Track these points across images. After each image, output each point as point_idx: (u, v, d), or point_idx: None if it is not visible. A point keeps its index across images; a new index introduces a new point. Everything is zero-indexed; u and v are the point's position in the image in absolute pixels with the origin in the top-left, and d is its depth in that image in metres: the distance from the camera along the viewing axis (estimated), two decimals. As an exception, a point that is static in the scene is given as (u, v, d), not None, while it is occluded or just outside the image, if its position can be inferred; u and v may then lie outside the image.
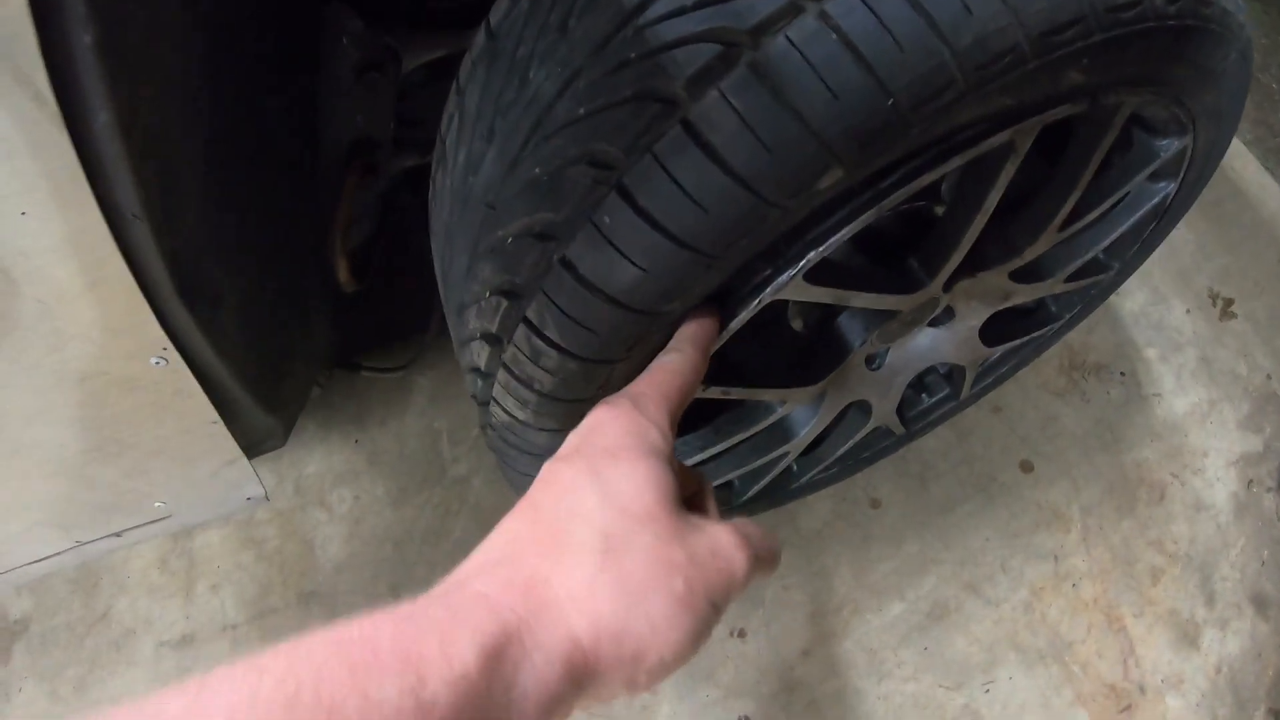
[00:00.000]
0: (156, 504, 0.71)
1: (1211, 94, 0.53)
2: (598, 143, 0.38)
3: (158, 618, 1.08)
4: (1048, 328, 0.84)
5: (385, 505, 1.10)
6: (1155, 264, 1.32)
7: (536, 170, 0.41)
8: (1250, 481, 1.16)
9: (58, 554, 0.78)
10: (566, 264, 0.41)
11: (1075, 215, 0.58)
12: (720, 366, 0.51)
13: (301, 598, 1.06)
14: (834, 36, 0.34)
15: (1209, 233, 1.42)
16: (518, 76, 0.44)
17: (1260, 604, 1.08)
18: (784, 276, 0.43)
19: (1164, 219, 0.75)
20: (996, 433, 1.11)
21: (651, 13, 0.37)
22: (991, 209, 0.49)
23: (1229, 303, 1.32)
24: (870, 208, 0.41)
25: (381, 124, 0.70)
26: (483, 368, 0.49)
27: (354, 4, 0.62)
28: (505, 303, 0.44)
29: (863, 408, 0.77)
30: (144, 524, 0.74)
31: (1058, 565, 1.04)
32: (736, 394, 0.56)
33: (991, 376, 0.92)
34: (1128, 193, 0.65)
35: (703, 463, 0.69)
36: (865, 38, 0.35)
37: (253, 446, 0.64)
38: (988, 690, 0.97)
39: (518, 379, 0.47)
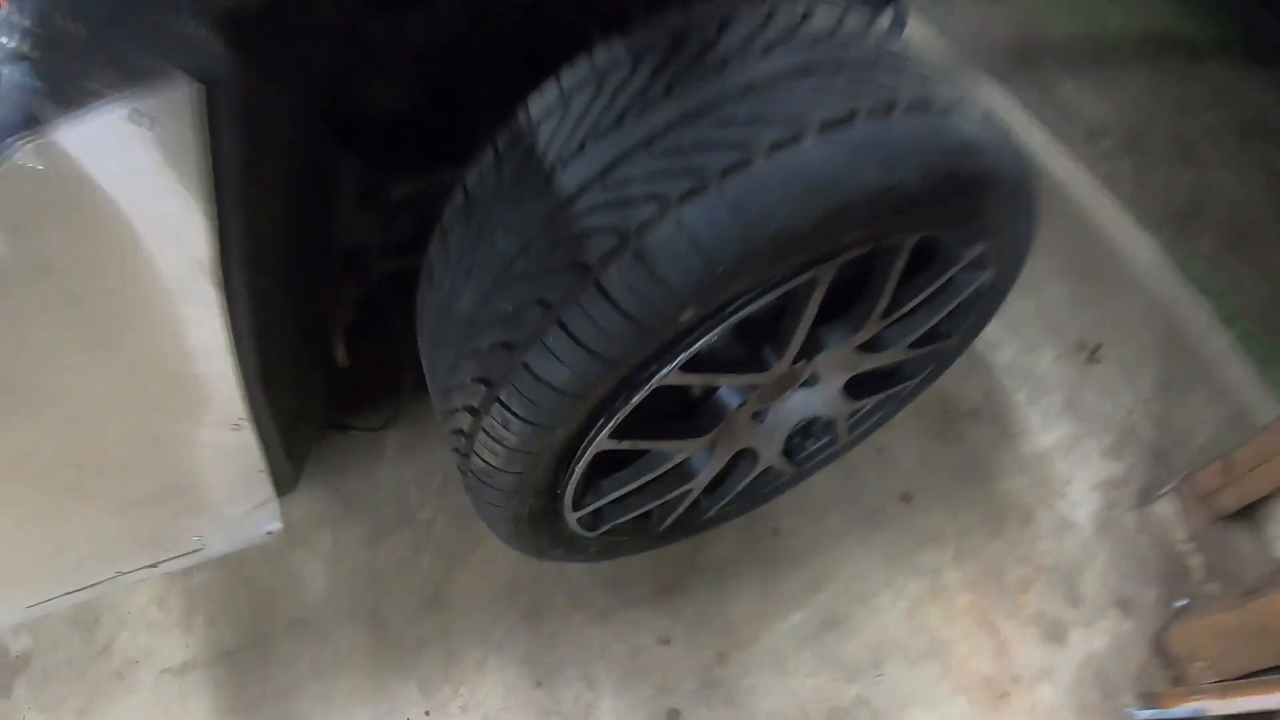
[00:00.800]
0: (194, 538, 0.95)
1: (989, 217, 0.83)
2: (545, 291, 0.67)
3: (159, 648, 1.29)
4: (906, 384, 1.15)
5: (362, 544, 1.34)
6: (1025, 319, 1.66)
7: (504, 304, 0.69)
8: (1112, 503, 1.48)
9: (96, 584, 1.01)
10: (526, 366, 0.68)
11: (895, 307, 0.88)
12: (633, 424, 0.79)
13: (291, 624, 1.29)
14: (684, 233, 0.63)
15: (1082, 287, 1.77)
16: (488, 235, 0.72)
17: (1124, 606, 1.38)
18: (665, 369, 0.71)
19: (990, 296, 1.05)
20: (880, 470, 1.41)
21: (577, 207, 0.66)
22: (811, 317, 0.79)
23: (1096, 349, 1.66)
24: (717, 327, 0.70)
25: (372, 237, 0.98)
26: (465, 430, 0.76)
27: (357, 150, 0.90)
28: (483, 388, 0.71)
29: (752, 454, 1.06)
30: (180, 555, 0.98)
31: (935, 580, 1.33)
32: (644, 445, 0.84)
33: (867, 424, 1.22)
34: (950, 279, 0.95)
35: (624, 497, 0.97)
36: (703, 232, 0.64)
37: (278, 489, 0.89)
38: (877, 682, 1.25)
39: (492, 438, 0.74)
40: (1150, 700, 1.28)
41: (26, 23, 0.41)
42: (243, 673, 1.26)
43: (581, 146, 0.67)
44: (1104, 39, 2.85)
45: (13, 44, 0.42)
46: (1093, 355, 1.65)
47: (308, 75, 0.65)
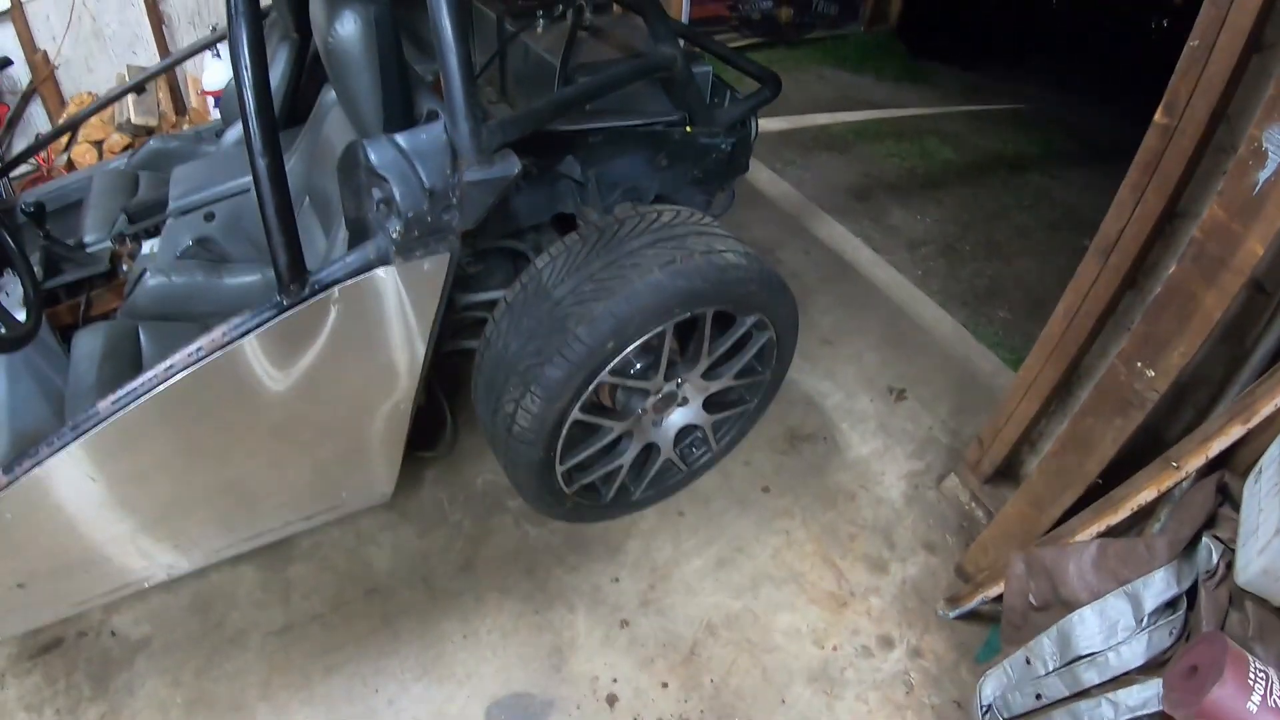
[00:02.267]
0: (342, 494, 2.01)
1: (753, 301, 2.01)
2: (550, 341, 1.81)
3: (263, 619, 2.24)
4: (745, 405, 2.31)
5: (413, 538, 2.39)
6: (849, 376, 2.87)
7: (533, 346, 1.84)
8: (916, 485, 2.62)
9: (264, 534, 2.04)
10: (544, 372, 1.82)
11: (713, 350, 2.05)
12: (589, 407, 1.91)
13: (366, 591, 2.29)
14: (609, 311, 1.79)
15: (893, 352, 3.01)
16: (521, 319, 1.89)
17: (930, 548, 2.47)
18: (603, 373, 1.86)
19: (780, 348, 2.24)
20: (747, 473, 2.56)
21: (562, 306, 1.82)
22: (667, 351, 1.95)
23: (902, 391, 2.86)
24: (623, 352, 1.85)
25: (448, 333, 2.11)
26: (510, 413, 1.88)
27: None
28: (522, 387, 1.84)
29: (655, 449, 2.19)
30: (328, 510, 2.03)
31: (789, 536, 2.44)
32: (595, 420, 1.97)
33: (729, 435, 2.37)
34: (748, 335, 2.12)
35: (584, 462, 2.08)
36: (617, 310, 1.80)
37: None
38: (756, 598, 2.31)
39: (525, 411, 1.85)
40: (954, 602, 2.31)
41: (398, 224, 1.55)
42: (330, 627, 2.22)
43: (563, 279, 1.84)
44: (933, 170, 4.31)
45: (396, 231, 1.55)
46: (899, 396, 2.86)
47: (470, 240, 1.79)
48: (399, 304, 1.66)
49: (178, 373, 1.52)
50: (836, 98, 5.21)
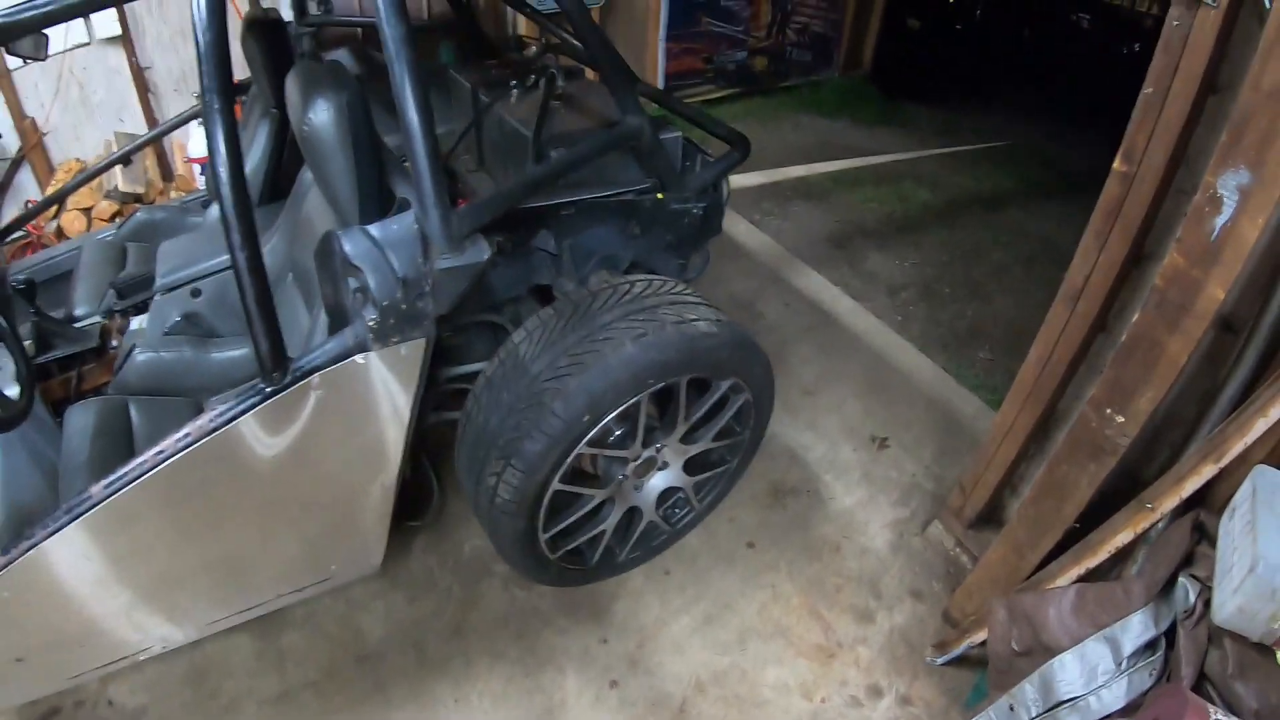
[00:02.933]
0: (332, 567, 2.04)
1: (728, 366, 2.06)
2: (528, 416, 1.86)
3: (258, 687, 2.27)
4: (726, 465, 2.35)
5: (404, 604, 2.41)
6: (831, 427, 2.91)
7: (512, 421, 1.88)
8: (901, 533, 2.65)
9: (258, 605, 2.07)
10: (523, 446, 1.87)
11: (689, 415, 2.10)
12: (570, 477, 1.95)
13: (358, 658, 2.32)
14: (583, 386, 1.84)
15: (875, 399, 3.05)
16: (499, 393, 1.93)
17: (916, 595, 2.51)
18: (580, 444, 1.90)
19: (757, 410, 2.28)
20: (731, 530, 2.60)
21: (539, 381, 1.87)
22: (643, 420, 2.00)
23: (884, 440, 2.91)
24: (600, 424, 1.90)
25: (427, 406, 2.16)
26: (492, 485, 1.92)
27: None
28: (503, 461, 1.89)
29: (638, 512, 2.23)
30: (318, 583, 2.07)
31: (775, 590, 2.47)
32: (576, 489, 2.02)
33: (711, 495, 2.41)
34: (724, 398, 2.17)
35: (566, 530, 2.12)
36: (591, 384, 1.84)
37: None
38: (743, 653, 2.33)
39: (506, 484, 1.90)
40: (941, 648, 2.33)
41: (374, 312, 1.60)
42: (325, 694, 2.25)
43: (539, 354, 1.89)
44: (910, 213, 4.39)
45: (372, 319, 1.61)
46: (882, 444, 2.90)
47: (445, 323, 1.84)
48: (379, 387, 1.71)
49: (168, 458, 1.58)
50: (813, 145, 5.31)
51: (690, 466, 2.30)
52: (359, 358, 1.64)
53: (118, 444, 2.04)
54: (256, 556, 1.95)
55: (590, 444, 1.93)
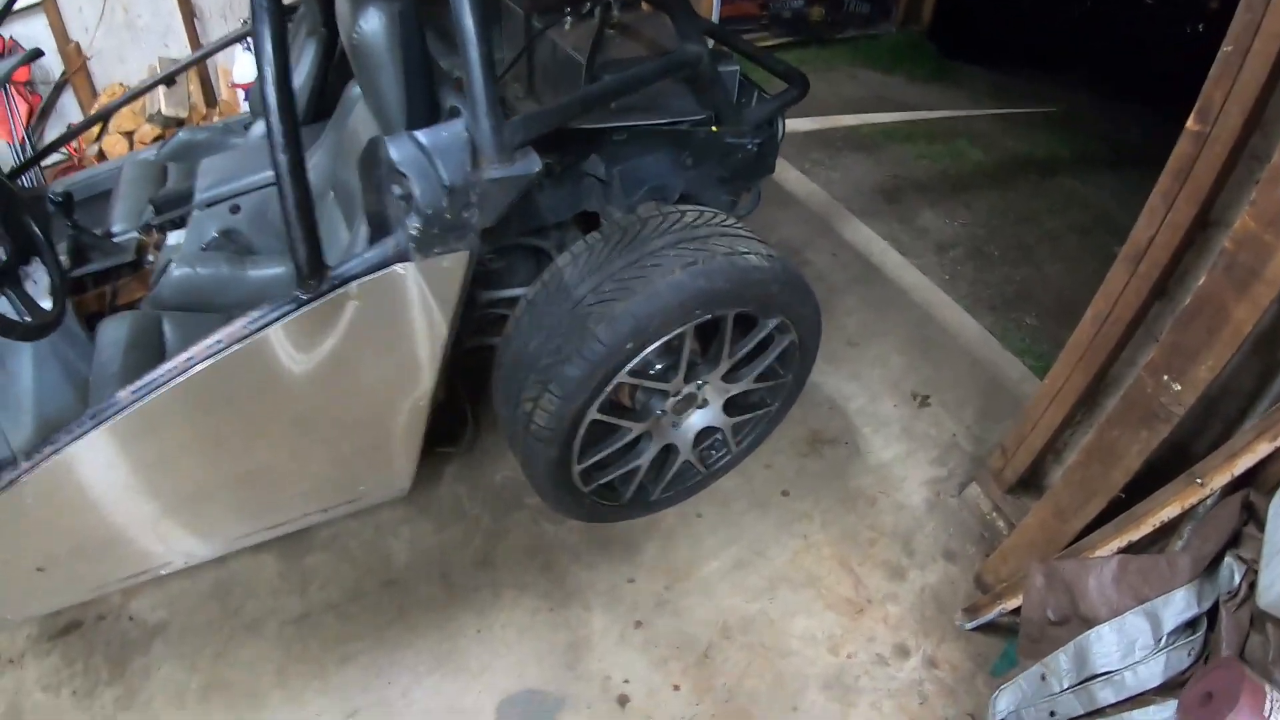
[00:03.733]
0: (360, 488, 2.01)
1: (776, 302, 1.99)
2: (570, 340, 1.81)
3: (280, 607, 2.26)
4: (766, 408, 2.29)
5: (431, 532, 2.39)
6: (873, 380, 2.84)
7: (553, 344, 1.83)
8: (938, 491, 2.59)
9: (285, 524, 2.05)
10: (563, 371, 1.81)
11: (734, 352, 2.04)
12: (608, 407, 1.90)
13: (384, 583, 2.30)
14: (628, 312, 1.77)
15: (918, 356, 2.97)
16: (542, 317, 1.88)
17: (949, 556, 2.44)
18: (622, 372, 1.84)
19: (802, 352, 2.21)
20: (767, 476, 2.54)
21: (583, 305, 1.81)
22: (686, 352, 1.93)
23: (926, 397, 2.83)
24: (641, 353, 1.83)
25: (468, 327, 2.11)
26: (529, 410, 1.87)
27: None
28: (540, 385, 1.84)
29: (673, 449, 2.18)
30: (347, 503, 2.04)
31: (807, 540, 2.41)
32: (613, 420, 1.96)
33: (749, 438, 2.35)
34: (770, 337, 2.10)
35: (600, 463, 2.07)
36: (636, 310, 1.78)
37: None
38: (772, 601, 2.29)
39: (543, 410, 1.85)
40: (971, 612, 2.27)
41: (418, 220, 1.55)
42: (347, 617, 2.23)
43: (584, 278, 1.83)
44: (963, 172, 4.25)
45: (415, 228, 1.55)
46: (923, 401, 2.82)
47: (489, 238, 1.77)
48: (418, 300, 1.65)
49: (197, 364, 1.54)
50: (867, 98, 5.15)
51: (730, 407, 2.23)
52: (399, 267, 1.59)
53: (150, 358, 2.01)
54: (285, 472, 1.92)
55: (631, 374, 1.87)
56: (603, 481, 2.15)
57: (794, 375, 2.28)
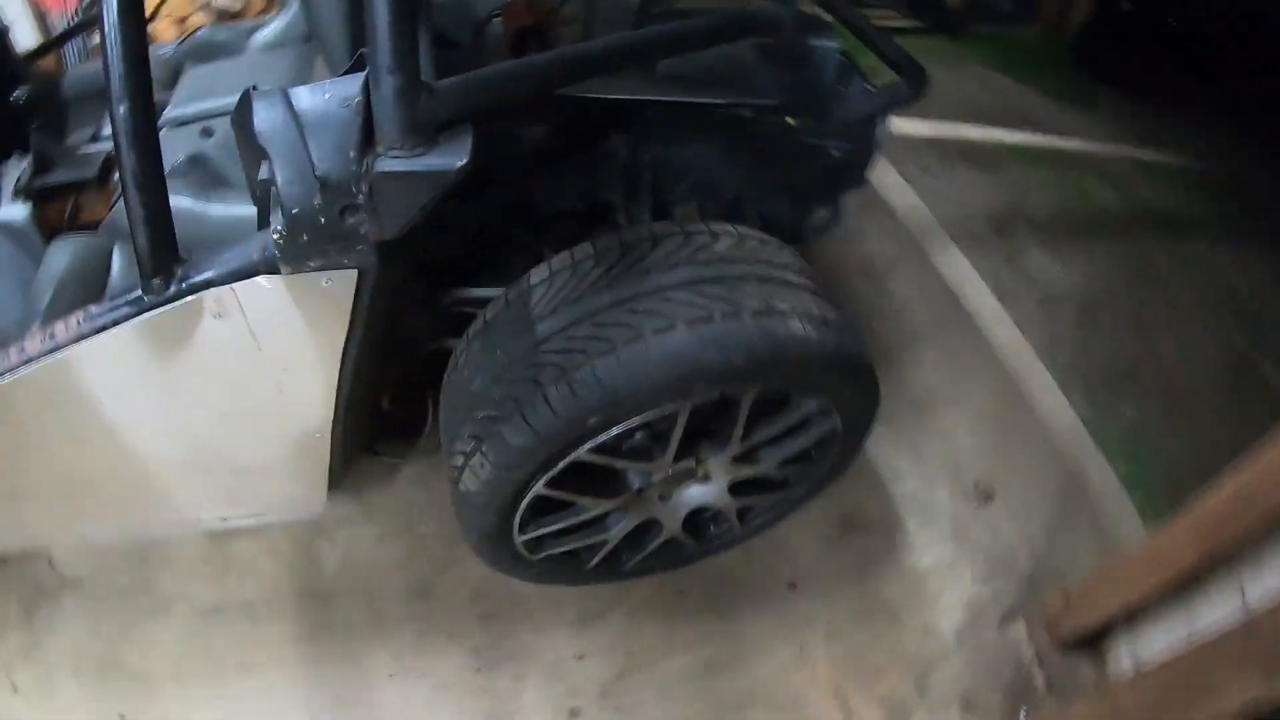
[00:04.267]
0: (258, 507, 1.46)
1: (817, 387, 1.32)
2: (518, 393, 1.18)
3: (194, 593, 1.78)
4: (787, 493, 1.62)
5: (371, 542, 1.84)
6: (932, 457, 2.12)
7: (495, 394, 1.20)
8: (974, 619, 1.89)
9: (183, 526, 1.52)
10: (500, 433, 1.19)
11: (749, 436, 1.37)
12: (564, 480, 1.28)
13: (304, 593, 1.78)
14: (594, 377, 1.13)
15: (992, 436, 2.22)
16: (493, 350, 1.24)
17: (967, 704, 1.77)
18: (580, 450, 1.21)
19: (847, 441, 1.53)
20: (776, 558, 1.88)
21: (544, 349, 1.17)
22: (679, 433, 1.28)
23: (989, 493, 2.10)
24: (613, 430, 1.19)
25: (424, 328, 1.51)
26: (459, 465, 1.27)
27: (425, 276, 1.44)
28: (474, 441, 1.22)
29: (657, 525, 1.54)
30: (247, 516, 1.49)
31: (802, 653, 1.77)
32: (569, 498, 1.34)
33: (760, 519, 1.69)
34: (803, 422, 1.43)
35: (556, 533, 1.45)
36: (604, 377, 1.13)
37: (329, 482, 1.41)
38: (741, 726, 1.68)
39: (474, 473, 1.24)
40: None
41: (281, 221, 0.94)
42: (257, 621, 1.74)
43: (555, 310, 1.19)
44: (1085, 214, 3.35)
45: (277, 231, 0.95)
46: (986, 497, 2.10)
47: (408, 252, 1.16)
48: (293, 325, 1.06)
49: (29, 361, 1.09)
50: (994, 106, 4.20)
51: (739, 488, 1.58)
52: (264, 280, 1.00)
53: (86, 294, 1.51)
54: (162, 478, 1.38)
55: (596, 450, 1.24)
56: (557, 552, 1.54)
57: (831, 465, 1.60)
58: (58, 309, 1.37)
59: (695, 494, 1.54)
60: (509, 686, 1.68)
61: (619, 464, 1.32)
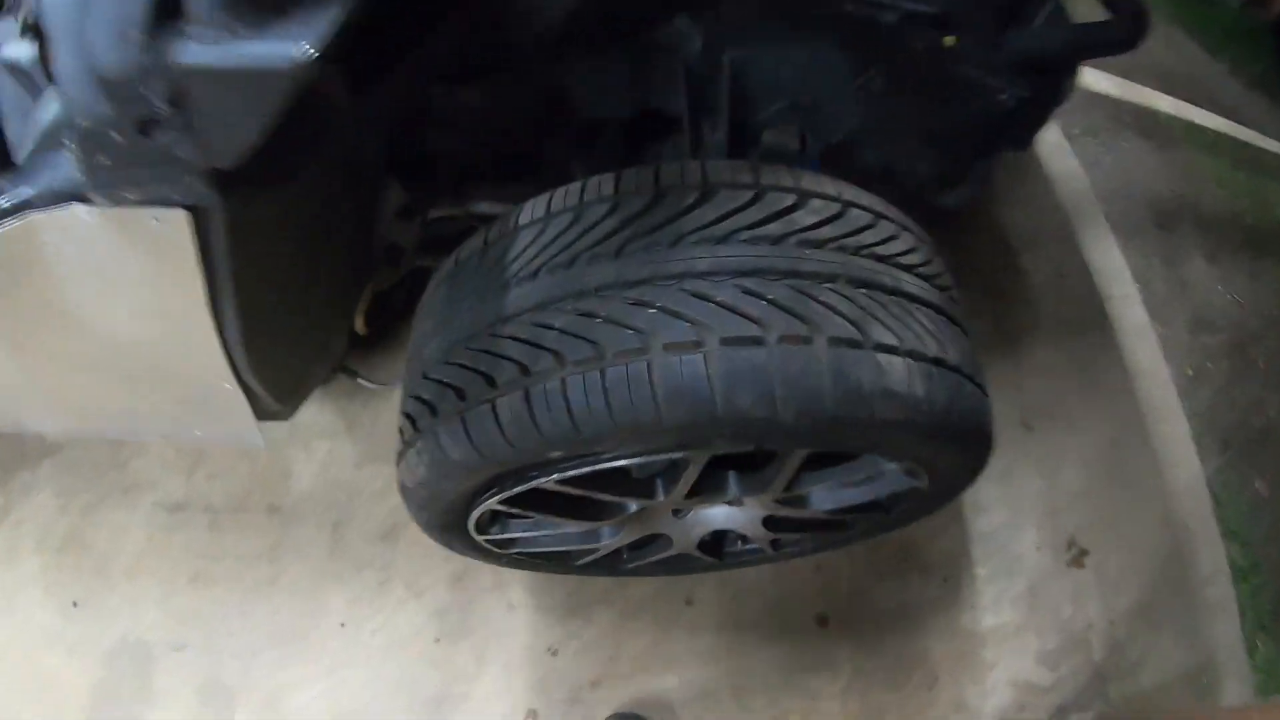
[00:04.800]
0: (197, 433, 1.09)
1: (904, 451, 0.82)
2: (465, 385, 0.73)
3: (162, 482, 1.50)
4: (835, 535, 1.15)
5: (349, 465, 1.49)
6: (1027, 496, 1.58)
7: (442, 375, 0.76)
8: (1023, 706, 1.42)
9: (149, 433, 1.17)
10: (436, 433, 0.76)
11: (799, 485, 0.90)
12: (527, 498, 0.85)
13: (269, 509, 1.46)
14: (560, 397, 0.67)
15: (1103, 480, 1.66)
16: (455, 309, 0.79)
17: None
18: (544, 479, 0.77)
19: (929, 501, 1.04)
20: (810, 585, 1.42)
21: (509, 328, 0.71)
22: (692, 479, 0.81)
23: (1083, 553, 1.57)
24: (588, 466, 0.74)
25: (410, 241, 1.07)
26: (398, 446, 0.85)
27: (398, 178, 0.98)
28: (411, 428, 0.80)
29: (665, 539, 1.10)
30: (187, 438, 1.13)
31: (813, 703, 1.35)
32: (536, 516, 0.91)
33: (796, 549, 1.23)
34: (878, 475, 0.94)
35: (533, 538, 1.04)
36: (575, 403, 0.67)
37: (267, 418, 1.02)
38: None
39: (410, 466, 0.83)
40: None
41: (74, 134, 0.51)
42: (219, 530, 1.45)
43: (536, 273, 0.72)
44: (1263, 226, 2.55)
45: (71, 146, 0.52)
46: (1078, 557, 1.57)
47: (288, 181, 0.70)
48: (129, 267, 0.65)
49: None
50: (1179, 75, 3.23)
51: (776, 522, 1.10)
52: (82, 210, 0.58)
53: None
54: (102, 389, 1.02)
55: (566, 482, 0.79)
56: (531, 551, 1.13)
57: (905, 516, 1.11)
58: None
59: (718, 516, 1.08)
60: (467, 666, 1.34)
61: (603, 497, 0.87)
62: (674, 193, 0.72)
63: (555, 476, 0.76)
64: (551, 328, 0.68)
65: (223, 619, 1.38)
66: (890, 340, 0.70)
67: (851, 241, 0.75)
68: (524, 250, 0.74)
